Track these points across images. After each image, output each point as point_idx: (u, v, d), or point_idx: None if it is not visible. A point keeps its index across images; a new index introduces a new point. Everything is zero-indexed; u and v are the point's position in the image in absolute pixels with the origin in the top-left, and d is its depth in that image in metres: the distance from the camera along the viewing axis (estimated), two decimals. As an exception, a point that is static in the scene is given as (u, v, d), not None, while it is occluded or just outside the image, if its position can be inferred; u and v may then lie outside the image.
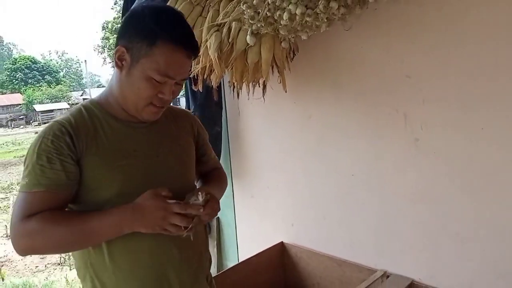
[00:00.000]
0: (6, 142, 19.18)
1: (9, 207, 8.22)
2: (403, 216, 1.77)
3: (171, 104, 1.26)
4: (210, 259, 1.38)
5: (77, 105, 1.18)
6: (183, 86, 1.22)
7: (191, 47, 1.09)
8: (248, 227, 2.48)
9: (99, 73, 77.53)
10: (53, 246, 1.08)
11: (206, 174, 1.44)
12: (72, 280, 4.64)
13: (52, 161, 1.02)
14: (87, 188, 1.08)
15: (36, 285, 4.55)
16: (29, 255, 1.20)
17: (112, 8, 26.82)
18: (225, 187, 1.47)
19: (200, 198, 1.08)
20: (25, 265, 5.63)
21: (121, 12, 2.56)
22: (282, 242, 2.30)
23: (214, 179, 1.42)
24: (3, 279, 5.04)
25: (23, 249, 1.04)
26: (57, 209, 1.05)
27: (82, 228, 1.03)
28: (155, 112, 1.13)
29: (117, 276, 1.11)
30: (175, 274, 1.17)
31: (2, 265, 5.51)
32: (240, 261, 2.25)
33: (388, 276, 1.83)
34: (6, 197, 9.10)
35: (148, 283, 1.13)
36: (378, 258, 1.89)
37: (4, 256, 5.89)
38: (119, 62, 1.08)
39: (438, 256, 1.68)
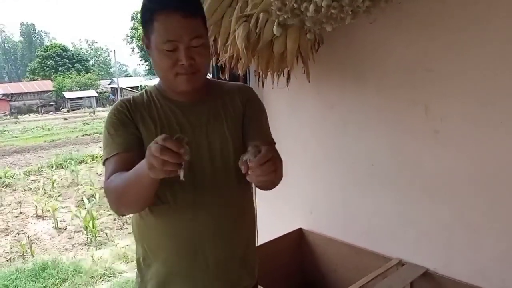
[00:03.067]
0: (36, 127, 19.70)
1: (39, 188, 8.51)
2: (419, 206, 1.80)
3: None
4: (253, 240, 1.42)
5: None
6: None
7: (184, 6, 1.12)
8: (268, 212, 2.54)
9: (127, 63, 78.96)
10: (121, 200, 1.14)
11: None
12: (98, 259, 4.83)
13: (118, 129, 1.20)
14: None
15: (64, 262, 4.74)
16: (121, 214, 1.25)
17: (141, -1, 27.05)
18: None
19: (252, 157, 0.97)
20: (53, 244, 5.85)
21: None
22: (300, 229, 2.36)
23: None
24: (33, 256, 5.29)
25: (111, 207, 1.17)
26: None
27: (128, 176, 1.07)
28: (186, 80, 1.17)
29: (161, 241, 1.24)
30: (210, 249, 1.24)
31: (32, 243, 5.75)
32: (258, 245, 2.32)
33: (403, 265, 1.87)
34: (37, 179, 9.40)
35: (185, 253, 1.23)
36: (395, 247, 1.92)
37: (34, 235, 6.15)
38: (147, 49, 1.21)
39: (453, 246, 1.71)
